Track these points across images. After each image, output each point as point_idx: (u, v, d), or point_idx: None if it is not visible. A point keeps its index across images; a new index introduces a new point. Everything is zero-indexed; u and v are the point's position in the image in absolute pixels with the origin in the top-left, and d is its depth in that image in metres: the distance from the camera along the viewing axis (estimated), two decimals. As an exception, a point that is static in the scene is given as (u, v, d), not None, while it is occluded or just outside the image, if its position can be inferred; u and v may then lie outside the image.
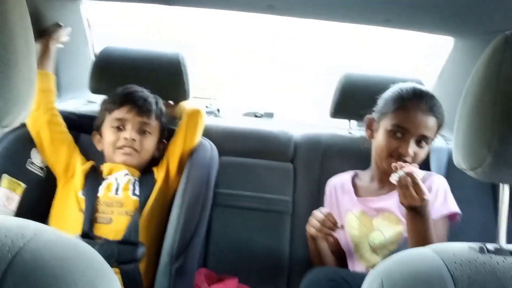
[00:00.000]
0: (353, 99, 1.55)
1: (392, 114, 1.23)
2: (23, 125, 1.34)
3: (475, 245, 0.63)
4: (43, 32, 1.45)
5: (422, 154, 1.23)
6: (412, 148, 1.19)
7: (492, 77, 0.61)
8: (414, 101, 1.21)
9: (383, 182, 1.30)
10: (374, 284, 0.62)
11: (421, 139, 1.21)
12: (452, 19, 1.44)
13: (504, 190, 0.67)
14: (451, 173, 1.36)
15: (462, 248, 0.64)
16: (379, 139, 1.25)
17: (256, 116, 1.93)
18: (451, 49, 1.71)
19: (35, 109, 1.33)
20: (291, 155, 1.58)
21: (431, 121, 1.21)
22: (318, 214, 1.19)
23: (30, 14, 1.41)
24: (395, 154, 1.20)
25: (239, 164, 1.56)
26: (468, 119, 0.65)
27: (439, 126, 1.23)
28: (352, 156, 1.51)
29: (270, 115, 1.94)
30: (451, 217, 1.22)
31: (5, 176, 1.23)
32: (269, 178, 1.55)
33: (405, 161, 1.18)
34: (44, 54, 1.40)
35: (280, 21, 1.81)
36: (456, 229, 1.25)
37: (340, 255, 1.32)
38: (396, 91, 1.27)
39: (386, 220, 1.24)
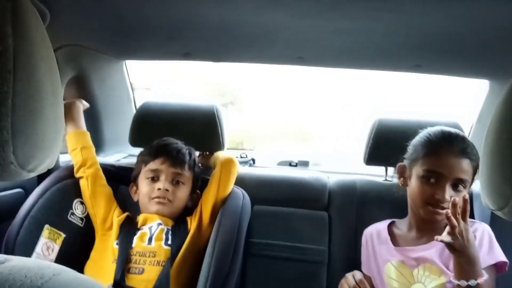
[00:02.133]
0: (388, 145, 1.52)
1: (422, 160, 1.20)
2: (68, 177, 1.42)
3: None
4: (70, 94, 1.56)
5: (460, 198, 1.17)
6: (448, 193, 1.14)
7: (510, 115, 0.60)
8: (444, 144, 1.18)
9: (422, 231, 1.24)
10: None
11: (457, 183, 1.16)
12: (484, 62, 1.42)
13: None
14: (496, 219, 1.28)
15: None
16: (413, 187, 1.22)
17: (290, 165, 1.93)
18: (487, 92, 1.67)
19: (82, 165, 1.43)
20: (325, 202, 1.56)
21: (464, 163, 1.16)
22: (350, 279, 1.14)
23: (76, 76, 1.54)
24: (432, 201, 1.16)
25: (273, 213, 1.55)
26: (491, 157, 0.63)
27: (475, 168, 1.18)
28: (389, 203, 1.46)
29: (305, 163, 1.94)
30: (498, 267, 1.13)
31: (47, 227, 1.29)
32: (303, 227, 1.52)
33: (443, 208, 1.14)
34: (75, 115, 1.51)
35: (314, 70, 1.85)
36: (505, 280, 1.16)
37: None
38: (425, 136, 1.24)
39: (427, 271, 1.17)
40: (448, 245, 1.02)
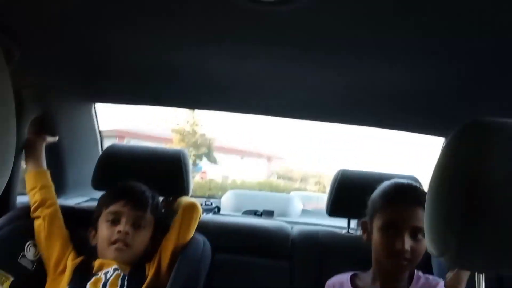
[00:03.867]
0: (350, 196, 1.55)
1: (379, 213, 1.23)
2: (23, 217, 1.37)
3: None
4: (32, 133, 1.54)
5: (421, 247, 1.18)
6: (407, 243, 1.16)
7: (451, 162, 0.63)
8: (397, 196, 1.23)
9: (387, 284, 1.24)
10: None
11: (416, 231, 1.18)
12: (438, 120, 1.50)
13: (479, 279, 0.65)
14: None
15: None
16: (375, 240, 1.24)
17: (255, 214, 1.93)
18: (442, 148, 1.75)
19: (40, 204, 1.39)
20: (288, 252, 1.54)
21: (419, 211, 1.19)
22: None
23: (42, 115, 1.52)
24: (394, 253, 1.17)
25: (234, 262, 1.52)
26: (433, 205, 0.66)
27: None
28: (352, 255, 1.46)
29: (270, 213, 1.94)
30: None
31: (-6, 268, 1.23)
32: (264, 277, 1.49)
33: (405, 259, 1.15)
34: (36, 153, 1.49)
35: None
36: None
37: None
38: (380, 191, 1.29)
39: None
40: None
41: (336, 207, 1.57)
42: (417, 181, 1.54)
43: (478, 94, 1.27)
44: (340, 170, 1.61)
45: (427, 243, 0.68)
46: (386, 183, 1.30)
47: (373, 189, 1.40)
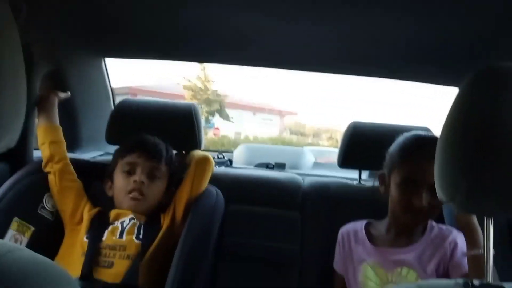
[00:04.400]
0: (362, 148, 1.55)
1: (398, 168, 1.19)
2: (39, 171, 1.41)
3: (461, 280, 0.61)
4: (44, 89, 1.55)
5: (439, 203, 1.11)
6: (425, 199, 1.13)
7: (464, 107, 0.62)
8: (417, 151, 1.17)
9: (402, 234, 1.24)
10: None
11: (434, 187, 1.17)
12: (453, 70, 1.46)
13: (487, 224, 0.65)
14: None
15: (448, 284, 0.61)
16: (392, 195, 1.21)
17: (267, 167, 1.95)
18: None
19: (49, 160, 1.42)
20: (299, 203, 1.57)
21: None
22: None
23: (53, 70, 1.53)
24: (411, 208, 1.15)
25: (247, 213, 1.55)
26: (444, 150, 0.65)
27: None
28: (362, 206, 1.48)
29: (282, 165, 1.96)
30: None
31: (15, 219, 1.28)
32: (276, 227, 1.53)
33: (422, 214, 1.15)
34: (48, 108, 1.51)
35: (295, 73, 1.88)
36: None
37: None
38: (399, 144, 1.24)
39: (404, 274, 1.17)
40: None
41: (347, 158, 1.57)
42: (430, 132, 1.53)
43: (493, 43, 1.22)
44: (352, 122, 1.61)
45: (437, 190, 0.68)
46: (405, 136, 1.25)
47: (385, 141, 1.38)
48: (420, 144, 1.19)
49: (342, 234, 1.36)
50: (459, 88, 0.67)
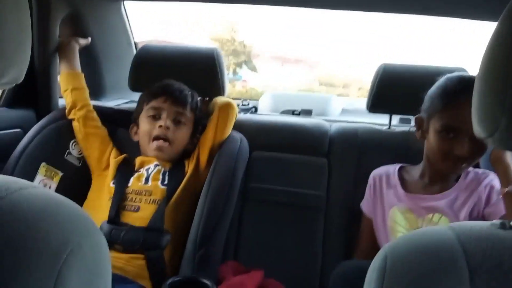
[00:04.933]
0: (392, 92, 1.47)
1: (440, 114, 1.10)
2: (64, 118, 1.42)
3: (497, 221, 0.57)
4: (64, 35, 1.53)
5: (482, 150, 1.08)
6: (468, 148, 1.06)
7: (507, 36, 0.55)
8: (462, 96, 1.05)
9: (436, 180, 1.19)
10: (378, 259, 0.57)
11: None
12: (494, 2, 1.33)
13: None
14: None
15: (482, 225, 0.57)
16: (431, 141, 1.13)
17: (293, 113, 1.89)
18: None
19: (72, 106, 1.41)
20: (325, 149, 1.53)
21: None
22: None
23: (71, 14, 1.50)
24: (451, 156, 1.09)
25: (272, 159, 1.53)
26: (484, 81, 0.59)
27: None
28: (392, 151, 1.42)
29: (308, 112, 1.90)
30: None
31: (43, 164, 1.30)
32: (302, 173, 1.50)
33: (463, 162, 1.09)
34: (70, 55, 1.49)
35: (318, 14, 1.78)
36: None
37: None
38: (441, 86, 1.14)
39: (435, 220, 1.14)
40: None
41: (377, 102, 1.50)
42: (467, 73, 1.44)
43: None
44: (382, 64, 1.52)
45: (474, 126, 0.62)
46: (448, 78, 1.14)
47: (417, 83, 1.28)
48: (465, 87, 1.05)
49: (374, 177, 1.32)
50: (500, 18, 0.59)
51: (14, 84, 0.58)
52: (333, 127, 1.58)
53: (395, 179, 1.25)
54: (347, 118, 1.93)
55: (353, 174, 1.45)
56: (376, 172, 1.32)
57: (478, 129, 0.61)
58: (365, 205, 1.33)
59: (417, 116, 1.21)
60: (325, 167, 1.51)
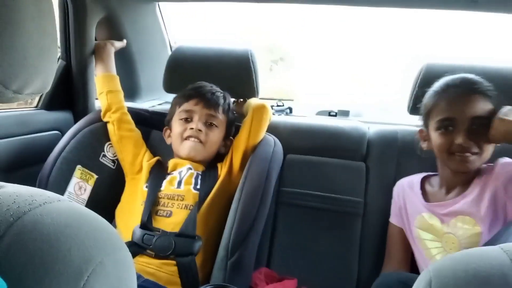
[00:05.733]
0: None
1: (433, 113, 1.14)
2: (100, 120, 1.43)
3: None
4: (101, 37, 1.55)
5: (486, 137, 1.07)
6: (468, 135, 1.07)
7: None
8: (448, 88, 1.13)
9: (453, 185, 1.17)
10: (422, 282, 0.52)
11: (476, 121, 1.07)
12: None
13: None
14: None
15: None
16: (434, 142, 1.15)
17: (330, 115, 1.83)
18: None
19: (107, 109, 1.42)
20: (363, 153, 1.47)
21: (478, 99, 1.08)
22: None
23: (107, 17, 1.50)
24: (455, 149, 1.09)
25: (307, 162, 1.48)
26: None
27: (496, 104, 1.08)
28: (433, 154, 1.35)
29: (345, 113, 1.83)
30: None
31: (78, 167, 1.31)
32: (338, 177, 1.45)
33: (470, 152, 1.08)
34: (105, 57, 1.50)
35: (358, 12, 1.72)
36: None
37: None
38: (431, 90, 1.20)
39: (460, 222, 1.11)
40: None
41: (419, 104, 1.42)
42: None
43: None
44: (425, 63, 1.43)
45: None
46: (442, 79, 1.18)
47: None
48: (452, 81, 1.14)
49: (397, 188, 1.32)
50: None
51: (41, 93, 0.57)
52: (372, 130, 1.51)
53: (418, 190, 1.24)
54: (386, 119, 1.85)
55: (392, 179, 1.39)
56: (400, 183, 1.32)
57: None
58: (392, 216, 1.31)
59: (418, 130, 1.24)
60: (363, 171, 1.45)
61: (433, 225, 1.16)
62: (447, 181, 1.19)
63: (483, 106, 1.08)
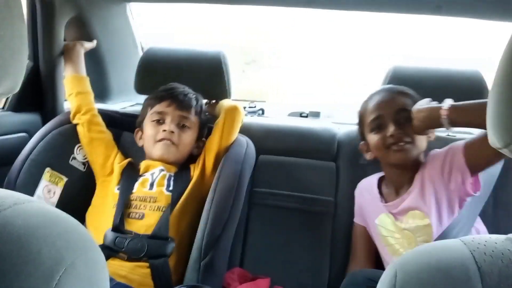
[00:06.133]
0: None
1: (365, 118, 1.24)
2: (69, 122, 1.40)
3: None
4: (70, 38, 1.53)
5: (411, 127, 1.15)
6: (393, 127, 1.15)
7: None
8: (374, 95, 1.25)
9: (400, 186, 1.23)
10: (388, 276, 0.55)
11: (400, 113, 1.17)
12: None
13: None
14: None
15: (497, 239, 0.54)
16: (372, 145, 1.23)
17: (301, 116, 1.86)
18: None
19: (77, 111, 1.40)
20: (334, 153, 1.50)
21: (400, 97, 1.21)
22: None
23: (76, 17, 1.48)
24: (389, 141, 1.16)
25: (279, 163, 1.50)
26: (500, 91, 0.55)
27: (416, 101, 1.17)
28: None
29: (316, 114, 1.86)
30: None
31: (47, 170, 1.29)
32: (310, 177, 1.48)
33: (403, 141, 1.15)
34: (75, 58, 1.48)
35: (329, 15, 1.75)
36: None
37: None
38: (362, 103, 1.29)
39: (411, 218, 1.18)
40: None
41: None
42: (480, 75, 1.40)
43: None
44: (393, 66, 1.48)
45: (489, 136, 0.59)
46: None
47: (428, 85, 1.33)
48: (379, 89, 1.28)
49: (357, 190, 1.37)
50: None
51: (10, 94, 0.57)
52: (342, 130, 1.55)
53: (376, 191, 1.29)
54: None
55: (362, 178, 1.42)
56: (360, 185, 1.38)
57: (493, 140, 0.58)
58: (356, 215, 1.36)
59: (360, 144, 1.31)
60: (334, 171, 1.48)
61: (391, 223, 1.21)
62: (393, 181, 1.26)
63: (404, 102, 1.19)
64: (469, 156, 1.10)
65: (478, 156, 1.09)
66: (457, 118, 1.04)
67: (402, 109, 1.17)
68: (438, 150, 1.20)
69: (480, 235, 0.58)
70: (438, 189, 1.14)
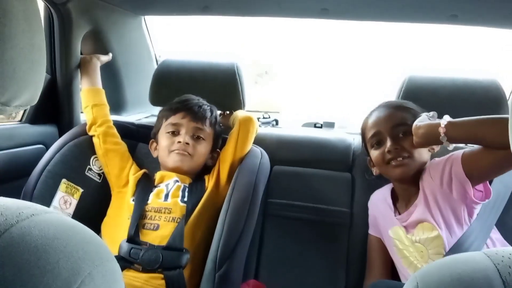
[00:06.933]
0: (418, 103, 1.42)
1: (366, 134, 1.27)
2: (85, 134, 1.42)
3: None
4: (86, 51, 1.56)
5: (409, 141, 1.16)
6: (390, 143, 1.17)
7: None
8: (373, 112, 1.27)
9: (408, 199, 1.23)
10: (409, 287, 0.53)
11: (397, 129, 1.18)
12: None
13: None
14: None
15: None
16: (374, 161, 1.24)
17: (315, 126, 1.86)
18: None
19: (93, 123, 1.42)
20: (349, 164, 1.49)
21: (397, 112, 1.21)
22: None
23: (92, 30, 1.51)
24: (389, 157, 1.17)
25: (294, 174, 1.50)
26: None
27: (415, 115, 1.18)
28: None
29: (331, 124, 1.86)
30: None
31: (64, 181, 1.30)
32: (325, 188, 1.46)
33: (401, 156, 1.16)
34: (91, 71, 1.51)
35: (341, 25, 1.76)
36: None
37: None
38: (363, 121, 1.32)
39: (420, 230, 1.16)
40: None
41: None
42: (498, 85, 1.38)
43: None
44: (408, 75, 1.47)
45: (510, 140, 0.57)
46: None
47: (443, 94, 1.31)
48: (377, 105, 1.29)
49: (371, 201, 1.37)
50: None
51: (28, 106, 0.57)
52: (357, 141, 1.53)
53: (389, 202, 1.29)
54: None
55: (377, 188, 1.40)
56: (373, 196, 1.37)
57: None
58: (371, 227, 1.35)
59: (367, 158, 1.32)
60: (349, 182, 1.47)
61: (404, 236, 1.20)
62: (401, 194, 1.26)
63: (402, 116, 1.20)
64: (467, 166, 1.08)
65: (476, 167, 1.07)
66: (455, 135, 1.03)
67: (400, 124, 1.18)
68: (437, 159, 1.19)
69: (503, 248, 0.56)
70: (440, 200, 1.13)
